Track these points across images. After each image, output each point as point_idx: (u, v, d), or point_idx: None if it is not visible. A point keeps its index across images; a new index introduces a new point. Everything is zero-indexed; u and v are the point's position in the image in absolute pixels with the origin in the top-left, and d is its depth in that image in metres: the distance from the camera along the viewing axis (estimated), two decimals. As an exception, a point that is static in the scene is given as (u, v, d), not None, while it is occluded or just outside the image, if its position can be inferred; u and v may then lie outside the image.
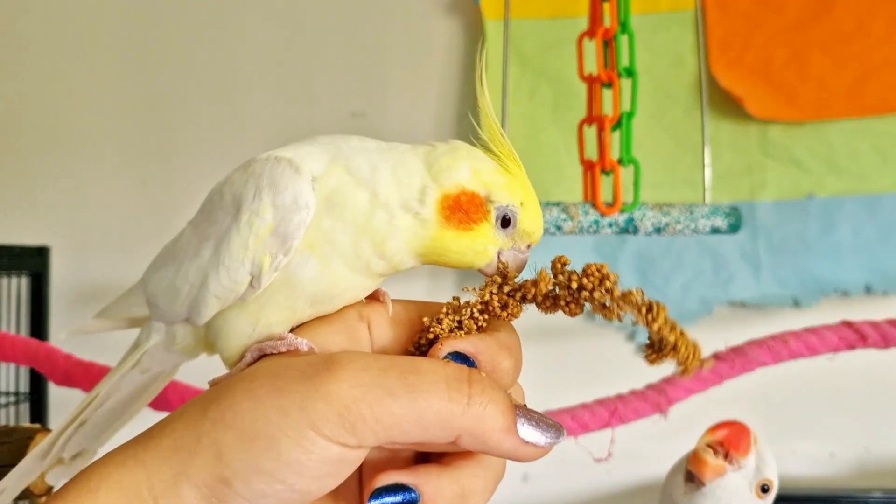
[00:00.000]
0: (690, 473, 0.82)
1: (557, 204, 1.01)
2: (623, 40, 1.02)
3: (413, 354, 0.41)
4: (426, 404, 0.35)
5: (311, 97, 1.53)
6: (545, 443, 0.37)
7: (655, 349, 0.38)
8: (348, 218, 0.40)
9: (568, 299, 0.39)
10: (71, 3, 1.58)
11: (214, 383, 0.41)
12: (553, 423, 0.38)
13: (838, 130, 1.40)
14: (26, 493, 0.95)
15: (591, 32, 1.05)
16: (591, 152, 1.04)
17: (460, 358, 0.39)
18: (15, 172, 1.56)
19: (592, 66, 1.04)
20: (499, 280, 0.41)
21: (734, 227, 1.02)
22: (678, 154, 1.40)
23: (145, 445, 0.36)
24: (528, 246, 0.43)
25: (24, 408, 1.43)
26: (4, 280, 1.44)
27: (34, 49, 1.58)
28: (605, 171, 1.01)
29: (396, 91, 1.52)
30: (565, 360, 1.45)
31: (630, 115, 1.01)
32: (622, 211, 1.00)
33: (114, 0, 1.58)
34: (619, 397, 0.98)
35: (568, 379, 1.41)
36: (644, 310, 0.37)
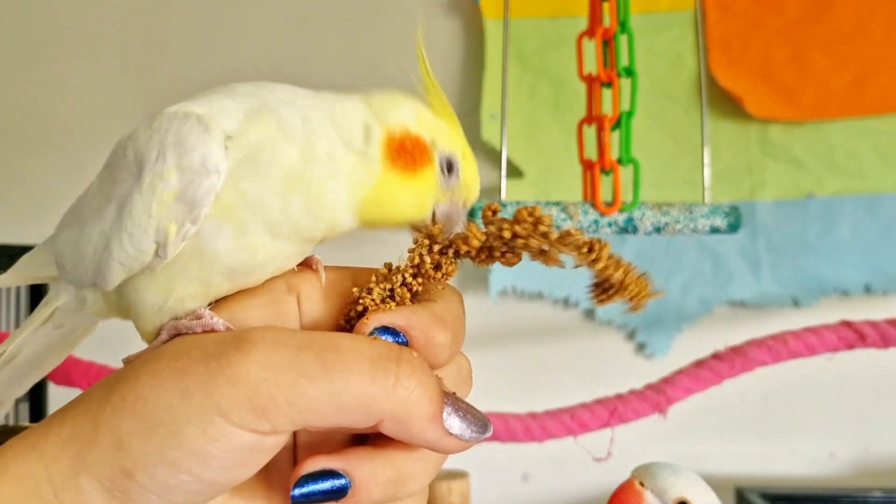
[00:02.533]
0: None
1: (557, 203, 1.01)
2: (623, 40, 1.02)
3: (343, 328, 0.38)
4: (344, 386, 0.32)
5: (310, 97, 1.53)
6: (469, 437, 0.35)
7: (603, 289, 0.36)
8: (274, 176, 0.36)
9: (503, 249, 0.36)
10: (70, 2, 1.57)
11: (128, 361, 0.38)
12: (481, 416, 0.35)
13: (838, 130, 1.40)
14: None
15: (590, 32, 1.05)
16: (591, 152, 1.04)
17: (390, 333, 0.35)
18: (13, 172, 1.56)
19: (592, 65, 1.04)
20: (426, 241, 0.38)
21: (734, 227, 1.02)
22: (678, 154, 1.40)
23: (46, 433, 0.33)
24: (464, 203, 0.41)
25: (24, 407, 1.43)
26: (4, 280, 1.44)
27: (32, 48, 1.57)
28: (604, 171, 1.01)
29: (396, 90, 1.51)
30: (564, 360, 1.45)
31: (630, 114, 1.01)
32: (622, 211, 1.00)
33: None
34: (619, 397, 0.98)
35: (567, 378, 1.42)
36: (586, 249, 0.35)
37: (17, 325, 1.44)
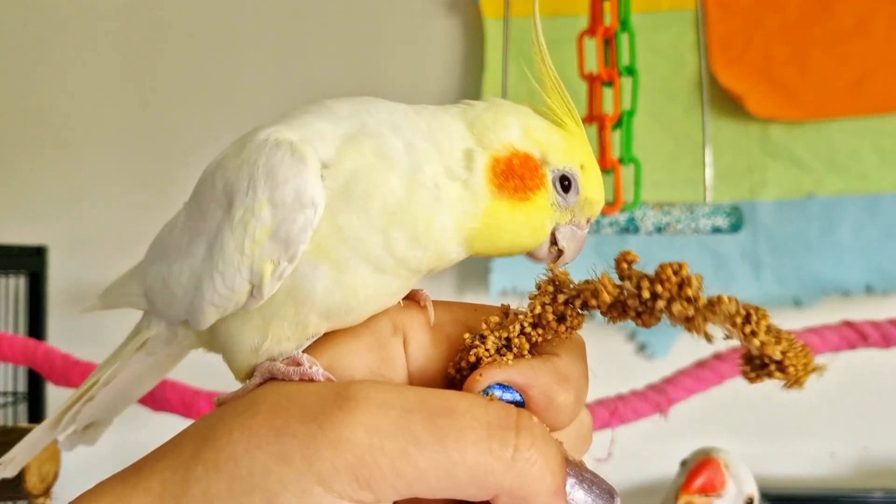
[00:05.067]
0: None
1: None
2: (624, 39, 1.02)
3: (453, 379, 0.34)
4: (459, 457, 0.29)
5: (311, 97, 1.51)
6: None
7: (756, 366, 0.31)
8: (375, 209, 0.33)
9: (640, 309, 0.31)
10: (69, 1, 1.57)
11: (220, 403, 0.35)
12: (607, 486, 0.31)
13: (839, 130, 1.40)
14: (24, 494, 0.95)
15: (591, 31, 1.04)
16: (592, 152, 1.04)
17: (505, 390, 0.32)
18: (13, 172, 1.56)
19: (593, 64, 1.04)
20: (550, 289, 0.33)
21: (735, 227, 1.02)
22: (679, 153, 1.40)
23: (134, 485, 0.31)
24: (588, 221, 0.36)
25: (22, 408, 1.43)
26: (2, 280, 1.43)
27: (32, 48, 1.57)
28: (605, 170, 1.01)
29: (396, 90, 1.51)
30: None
31: (631, 113, 1.01)
32: (623, 210, 1.00)
33: (112, -1, 1.57)
34: (620, 397, 0.98)
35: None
36: (740, 321, 0.30)
37: (15, 324, 1.43)
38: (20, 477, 0.91)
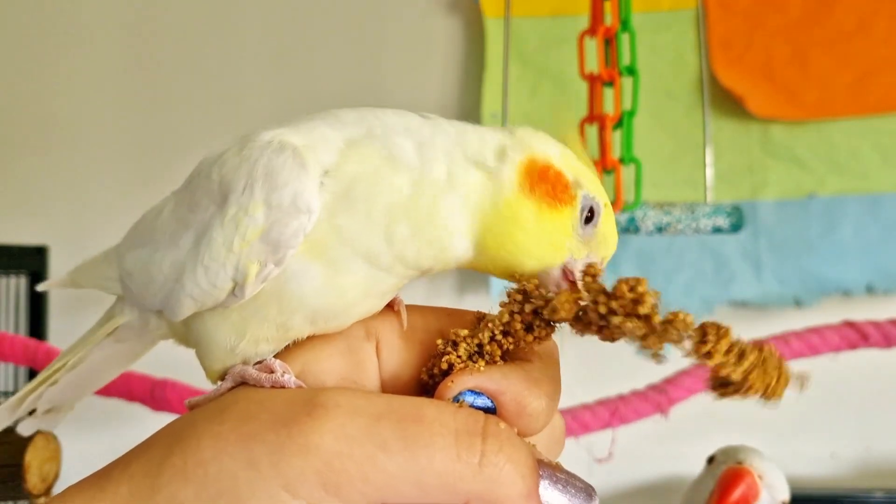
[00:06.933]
0: None
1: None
2: (624, 39, 1.02)
3: (426, 385, 0.34)
4: (428, 463, 0.29)
5: (311, 96, 1.52)
6: None
7: (717, 385, 0.30)
8: (376, 211, 0.33)
9: (601, 324, 0.31)
10: (69, 1, 1.57)
11: (192, 406, 0.35)
12: (583, 485, 0.31)
13: (840, 129, 1.40)
14: (25, 494, 0.95)
15: (592, 31, 1.04)
16: (593, 151, 1.04)
17: (477, 396, 0.32)
18: (14, 172, 1.56)
19: (593, 64, 1.04)
20: (518, 297, 0.33)
21: (736, 227, 1.02)
22: (679, 153, 1.40)
23: (103, 489, 0.31)
24: (602, 261, 0.36)
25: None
26: (3, 280, 1.43)
27: (32, 48, 1.57)
28: (606, 170, 1.01)
29: (396, 90, 1.51)
30: (565, 360, 1.44)
31: (631, 113, 1.01)
32: (624, 210, 1.00)
33: (113, -1, 1.57)
34: (620, 397, 0.98)
35: (568, 379, 1.41)
36: (697, 339, 0.29)
37: (16, 325, 1.43)
38: (21, 477, 0.91)
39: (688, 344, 0.29)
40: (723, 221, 1.01)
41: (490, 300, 1.42)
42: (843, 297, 1.39)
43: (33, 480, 0.92)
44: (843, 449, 1.42)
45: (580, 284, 0.32)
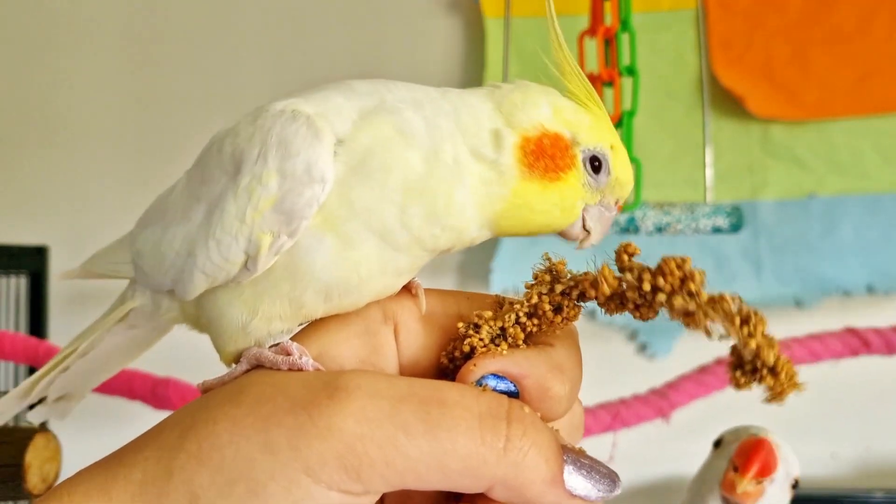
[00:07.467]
0: (727, 499, 0.83)
1: (558, 203, 1.01)
2: (624, 39, 1.02)
3: (446, 369, 0.33)
4: (451, 447, 0.28)
5: (310, 96, 1.52)
6: (595, 496, 0.30)
7: (747, 370, 0.30)
8: (392, 184, 0.32)
9: (638, 302, 0.31)
10: (69, 1, 1.57)
11: (206, 389, 0.35)
12: (607, 471, 0.31)
13: (840, 129, 1.40)
14: (26, 494, 0.95)
15: (592, 31, 1.04)
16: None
17: (499, 380, 0.31)
18: (14, 172, 1.56)
19: (593, 64, 1.04)
20: (547, 278, 0.33)
21: (736, 227, 1.02)
22: (679, 153, 1.39)
23: (115, 474, 0.30)
24: (617, 202, 0.36)
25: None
26: (3, 279, 1.43)
27: (32, 48, 1.57)
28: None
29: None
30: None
31: (631, 113, 1.01)
32: (623, 210, 1.00)
33: (113, -1, 1.57)
34: (622, 401, 0.98)
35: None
36: (738, 321, 0.29)
37: (17, 324, 1.43)
38: (21, 477, 0.91)
39: (733, 322, 0.30)
40: (723, 221, 1.01)
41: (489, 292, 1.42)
42: (843, 297, 1.39)
43: (34, 480, 0.92)
44: (844, 449, 1.42)
45: (617, 263, 0.32)
